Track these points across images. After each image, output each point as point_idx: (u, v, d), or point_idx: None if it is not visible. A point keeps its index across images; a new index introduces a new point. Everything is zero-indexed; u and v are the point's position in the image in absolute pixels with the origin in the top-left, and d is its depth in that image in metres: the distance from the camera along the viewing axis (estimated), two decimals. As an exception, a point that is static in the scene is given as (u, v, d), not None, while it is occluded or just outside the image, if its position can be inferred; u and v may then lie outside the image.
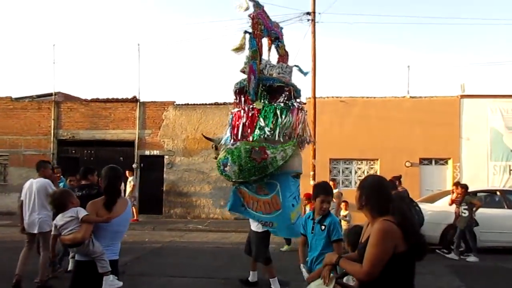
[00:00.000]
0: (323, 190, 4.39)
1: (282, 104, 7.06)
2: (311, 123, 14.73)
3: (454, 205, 9.88)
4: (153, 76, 39.00)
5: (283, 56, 7.76)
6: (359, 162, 16.73)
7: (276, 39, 7.69)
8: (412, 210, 8.48)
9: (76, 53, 30.56)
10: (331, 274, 3.02)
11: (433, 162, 16.51)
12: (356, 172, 16.73)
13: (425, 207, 10.17)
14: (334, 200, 10.84)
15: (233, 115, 7.18)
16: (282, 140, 6.88)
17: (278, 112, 6.88)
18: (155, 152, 17.15)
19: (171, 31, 43.03)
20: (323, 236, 4.18)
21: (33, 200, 6.71)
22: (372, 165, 16.67)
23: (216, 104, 17.06)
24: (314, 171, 14.88)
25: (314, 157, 14.89)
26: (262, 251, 6.77)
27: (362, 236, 2.97)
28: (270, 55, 7.69)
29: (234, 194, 6.80)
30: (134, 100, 17.26)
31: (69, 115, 17.55)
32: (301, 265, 4.40)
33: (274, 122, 6.87)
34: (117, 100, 17.43)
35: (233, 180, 6.71)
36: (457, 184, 10.30)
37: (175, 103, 17.29)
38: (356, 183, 16.66)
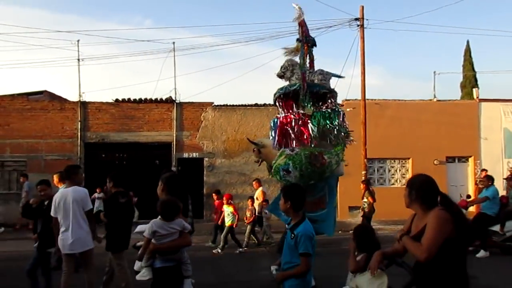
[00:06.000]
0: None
1: (329, 110, 7.62)
2: (361, 124, 15.43)
3: None
4: (188, 78, 37.47)
5: (312, 61, 8.17)
6: (392, 161, 17.71)
7: (313, 45, 8.13)
8: None
9: (98, 52, 28.05)
10: (379, 270, 3.15)
11: (456, 160, 18.00)
12: (389, 171, 17.68)
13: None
14: (258, 198, 12.02)
15: (279, 119, 7.48)
16: (330, 144, 7.46)
17: (327, 117, 7.39)
18: (194, 155, 16.64)
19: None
20: (291, 244, 3.72)
21: (71, 214, 5.69)
22: (404, 163, 17.73)
23: (256, 105, 17.00)
24: (366, 170, 15.49)
25: (366, 157, 15.51)
26: None
27: (413, 228, 3.20)
28: (306, 61, 8.03)
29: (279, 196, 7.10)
30: (170, 101, 16.59)
31: (97, 116, 16.35)
32: (273, 267, 4.11)
33: (323, 127, 7.37)
34: (151, 101, 16.61)
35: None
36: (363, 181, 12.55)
37: (213, 104, 16.93)
38: (389, 181, 17.63)
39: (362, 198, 11.98)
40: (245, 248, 11.02)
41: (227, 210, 11.05)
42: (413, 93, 53.99)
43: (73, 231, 5.68)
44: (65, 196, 5.74)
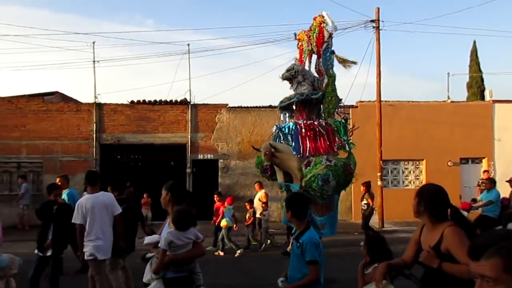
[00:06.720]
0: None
1: (343, 120, 7.75)
2: (376, 125, 15.43)
3: None
4: (202, 79, 37.63)
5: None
6: (406, 163, 17.72)
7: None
8: None
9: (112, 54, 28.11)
10: (384, 281, 3.04)
11: (470, 161, 17.99)
12: (403, 172, 17.68)
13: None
14: (260, 200, 12.11)
15: (299, 125, 7.44)
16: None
17: (342, 127, 7.54)
18: (209, 156, 16.68)
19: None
20: (298, 253, 3.65)
21: (106, 219, 5.79)
22: (417, 165, 17.73)
23: (271, 107, 16.99)
24: (381, 172, 15.49)
25: (381, 159, 15.50)
26: None
27: (423, 239, 3.14)
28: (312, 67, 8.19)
29: None
30: (185, 102, 16.64)
31: (113, 118, 16.41)
32: (279, 279, 3.97)
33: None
34: (166, 103, 16.67)
35: (327, 194, 6.98)
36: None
37: (228, 106, 16.98)
38: (403, 182, 17.63)
39: (361, 200, 12.26)
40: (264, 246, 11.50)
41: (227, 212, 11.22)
42: (411, 92, 53.90)
43: (108, 236, 5.74)
44: (96, 201, 5.70)
